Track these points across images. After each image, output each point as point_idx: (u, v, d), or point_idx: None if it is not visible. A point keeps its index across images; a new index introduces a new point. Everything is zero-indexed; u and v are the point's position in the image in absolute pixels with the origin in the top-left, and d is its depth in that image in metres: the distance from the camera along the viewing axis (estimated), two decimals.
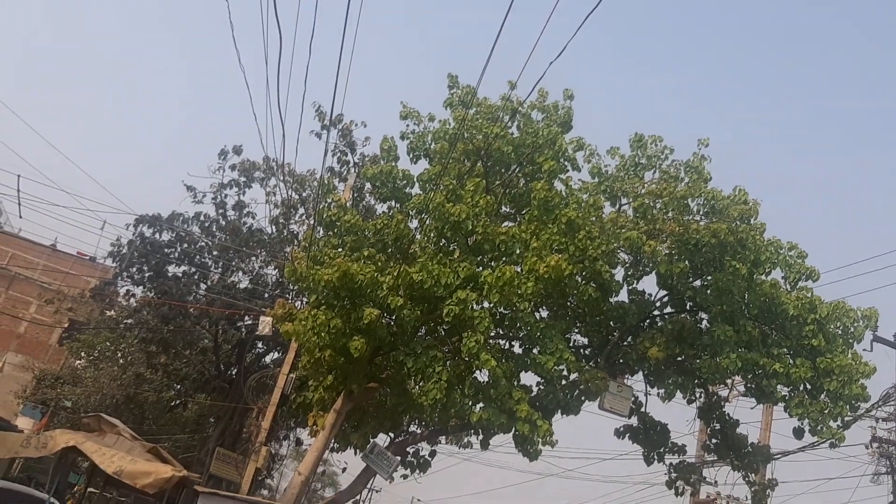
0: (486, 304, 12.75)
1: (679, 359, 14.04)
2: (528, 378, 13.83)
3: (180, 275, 22.17)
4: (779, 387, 13.28)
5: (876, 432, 17.45)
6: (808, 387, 13.18)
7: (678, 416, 16.42)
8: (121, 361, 27.55)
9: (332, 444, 16.14)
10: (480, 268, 12.90)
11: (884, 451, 17.16)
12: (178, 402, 27.91)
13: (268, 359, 23.88)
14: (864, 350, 14.80)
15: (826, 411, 12.78)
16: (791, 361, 13.10)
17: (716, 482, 20.05)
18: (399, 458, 15.21)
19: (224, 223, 22.13)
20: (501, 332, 14.01)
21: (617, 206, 14.61)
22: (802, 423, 13.30)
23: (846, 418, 13.23)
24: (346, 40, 6.84)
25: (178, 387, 26.84)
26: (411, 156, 14.99)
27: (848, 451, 16.59)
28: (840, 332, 13.35)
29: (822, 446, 15.32)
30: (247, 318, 21.69)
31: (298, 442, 27.92)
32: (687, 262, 13.39)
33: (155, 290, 21.70)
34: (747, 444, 15.44)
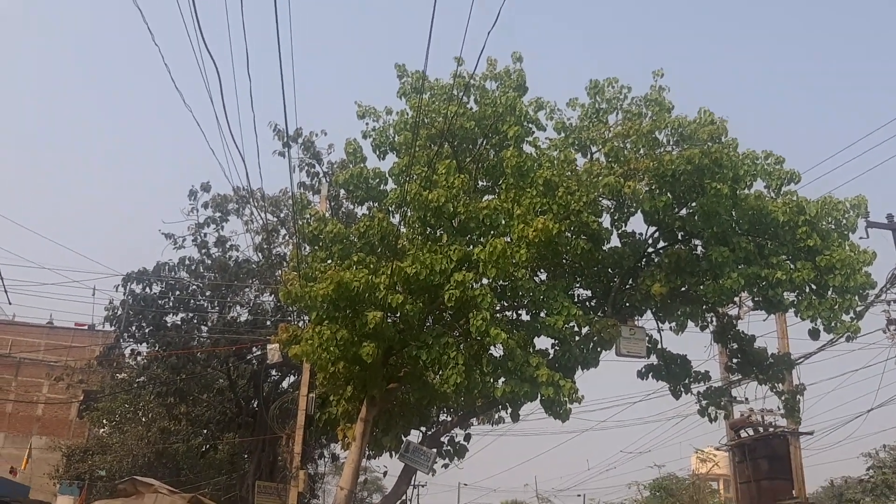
0: (484, 281, 12.78)
1: (683, 289, 14.10)
2: (542, 342, 13.90)
3: (179, 323, 22.17)
4: (785, 294, 13.35)
5: (890, 315, 17.59)
6: (814, 287, 13.26)
7: (695, 345, 16.54)
8: (143, 420, 27.56)
9: (366, 453, 16.22)
10: (471, 246, 12.92)
11: None
12: (207, 446, 27.98)
13: (285, 384, 23.92)
14: (860, 238, 14.92)
15: (836, 307, 12.86)
16: (792, 266, 13.18)
17: (746, 399, 20.26)
18: (435, 449, 15.27)
19: (210, 262, 22.09)
20: (506, 304, 14.04)
21: (589, 156, 14.61)
22: (816, 324, 13.38)
23: (858, 309, 13.33)
24: (285, 55, 6.81)
25: (205, 431, 26.93)
26: (377, 153, 14.96)
27: (866, 340, 16.69)
28: (833, 227, 13.43)
29: (840, 342, 15.51)
30: (254, 349, 21.70)
31: (334, 457, 28.04)
32: (668, 193, 13.42)
33: (158, 343, 21.67)
34: (767, 356, 15.56)
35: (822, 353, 17.83)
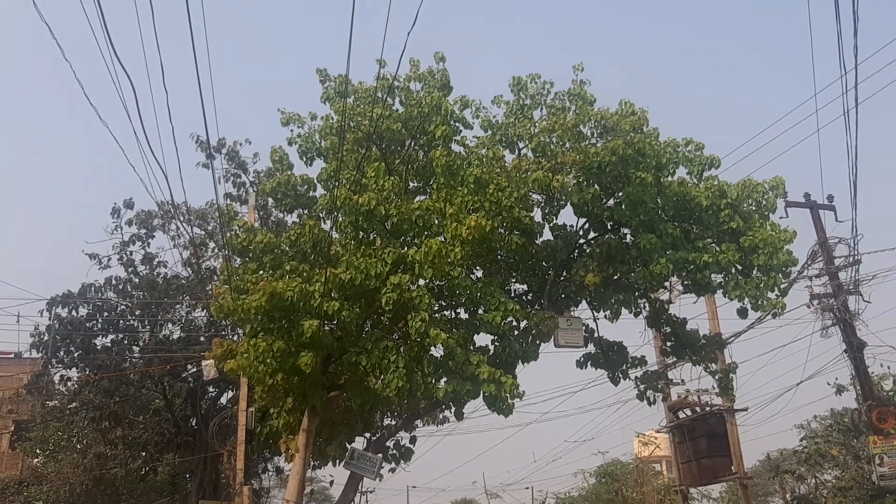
0: (421, 282, 12.76)
1: (615, 277, 14.37)
2: (482, 339, 13.97)
3: (109, 344, 21.50)
4: (712, 276, 13.73)
5: (813, 290, 18.24)
6: (739, 268, 13.67)
7: (631, 332, 16.87)
8: (78, 447, 26.58)
9: (310, 463, 16.01)
10: (406, 248, 12.89)
11: (825, 305, 17.95)
12: (147, 469, 27.19)
13: (223, 400, 23.46)
14: (780, 218, 15.39)
15: (761, 285, 13.28)
16: (717, 249, 13.56)
17: (682, 381, 20.82)
18: (380, 455, 15.17)
19: (137, 280, 21.48)
20: (444, 303, 14.05)
21: (517, 152, 14.76)
22: (743, 303, 13.78)
23: (782, 286, 13.79)
24: (202, 65, 6.64)
25: (144, 454, 26.19)
26: (304, 159, 14.78)
27: (792, 315, 17.31)
28: (754, 209, 13.89)
29: (767, 318, 16.06)
30: (189, 366, 21.19)
31: (278, 471, 27.59)
32: (596, 185, 13.67)
33: (89, 367, 20.97)
34: (700, 337, 15.99)
35: (751, 331, 18.42)
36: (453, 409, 14.92)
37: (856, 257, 17.62)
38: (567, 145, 13.82)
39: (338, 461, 14.81)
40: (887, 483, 16.72)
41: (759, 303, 13.42)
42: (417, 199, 14.19)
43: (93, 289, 21.05)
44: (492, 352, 13.92)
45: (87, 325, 21.09)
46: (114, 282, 21.27)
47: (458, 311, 14.56)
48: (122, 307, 21.67)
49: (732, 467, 21.80)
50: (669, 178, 13.90)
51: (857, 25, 8.63)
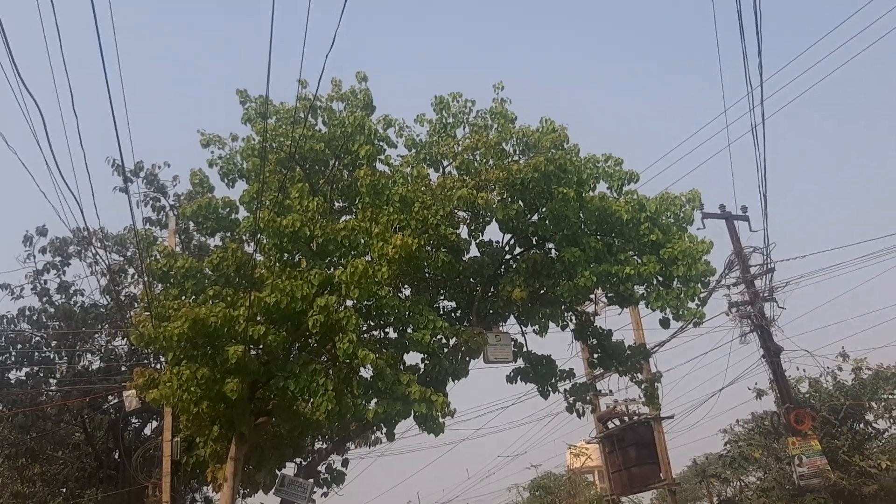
0: (348, 303, 12.64)
1: (541, 292, 14.56)
2: (412, 358, 13.92)
3: (24, 378, 20.54)
4: (635, 287, 14.06)
5: (731, 299, 18.88)
6: (660, 279, 14.03)
7: (558, 345, 17.14)
8: None
9: (240, 492, 15.60)
10: (332, 269, 12.77)
11: (742, 312, 18.58)
12: None
13: (147, 430, 22.67)
14: (698, 229, 15.99)
15: (682, 295, 13.66)
16: (638, 261, 13.89)
17: (610, 392, 21.22)
18: (312, 480, 14.93)
19: (53, 310, 20.64)
20: (372, 323, 13.94)
21: (441, 170, 14.84)
22: (665, 313, 14.15)
23: (701, 296, 14.21)
24: (114, 84, 6.46)
25: (64, 490, 25.04)
26: (225, 181, 14.55)
27: (712, 324, 17.89)
28: (672, 221, 14.30)
29: (689, 328, 16.53)
30: (110, 397, 20.44)
31: (207, 501, 26.75)
32: (520, 201, 13.87)
33: (2, 402, 20.01)
34: (625, 348, 16.32)
35: (674, 341, 18.98)
36: (384, 430, 14.81)
37: (769, 266, 18.34)
38: (490, 163, 13.97)
39: (268, 489, 14.49)
40: (807, 482, 17.33)
41: (680, 313, 13.79)
42: (343, 219, 14.09)
43: (4, 321, 20.15)
44: (422, 370, 13.88)
45: (0, 357, 20.14)
46: (27, 312, 20.41)
47: (386, 330, 14.49)
48: (37, 338, 20.78)
49: (661, 474, 22.28)
50: (591, 193, 14.19)
51: (760, 46, 9.03)
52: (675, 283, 13.92)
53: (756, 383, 21.43)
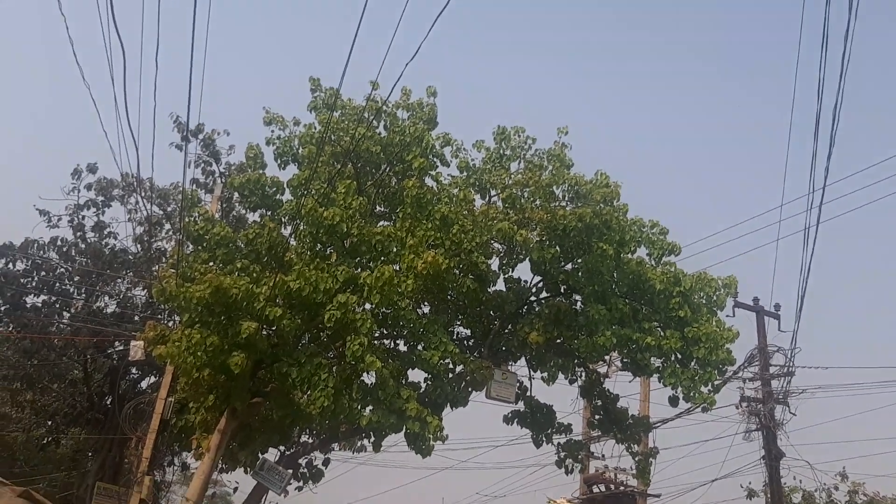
0: (367, 306, 12.70)
1: (558, 341, 14.46)
2: (416, 375, 13.90)
3: (40, 305, 20.86)
4: (652, 359, 13.92)
5: (744, 392, 18.55)
6: (679, 356, 13.88)
7: (562, 397, 16.96)
8: None
9: (219, 465, 15.65)
10: (359, 270, 12.85)
11: (752, 409, 18.25)
12: (49, 439, 26.26)
13: (144, 384, 22.83)
14: (727, 316, 15.77)
15: (697, 378, 13.50)
16: (661, 334, 13.77)
17: (603, 456, 20.91)
18: (290, 470, 14.90)
19: (84, 246, 20.97)
20: (385, 332, 13.98)
21: (487, 199, 14.90)
22: (676, 391, 13.97)
23: (715, 382, 14.02)
24: (199, 48, 6.61)
25: (49, 423, 25.33)
26: (279, 162, 14.71)
27: (720, 412, 17.58)
28: (704, 302, 14.15)
29: (696, 411, 16.26)
30: (117, 343, 20.66)
31: (185, 467, 26.86)
32: (557, 247, 13.84)
33: (13, 323, 20.32)
34: (628, 416, 16.11)
35: (678, 420, 18.63)
36: (372, 439, 14.77)
37: (790, 369, 18.02)
38: (537, 202, 13.99)
39: (247, 469, 14.51)
40: None
41: (692, 394, 13.61)
42: (380, 223, 14.19)
43: (35, 245, 20.49)
44: (423, 389, 13.84)
45: (22, 280, 20.48)
46: (59, 243, 20.75)
47: (397, 342, 14.52)
48: (62, 270, 21.11)
49: None
50: (629, 256, 14.12)
51: (832, 149, 8.94)
52: (692, 363, 13.75)
53: (750, 483, 20.99)
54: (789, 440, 18.05)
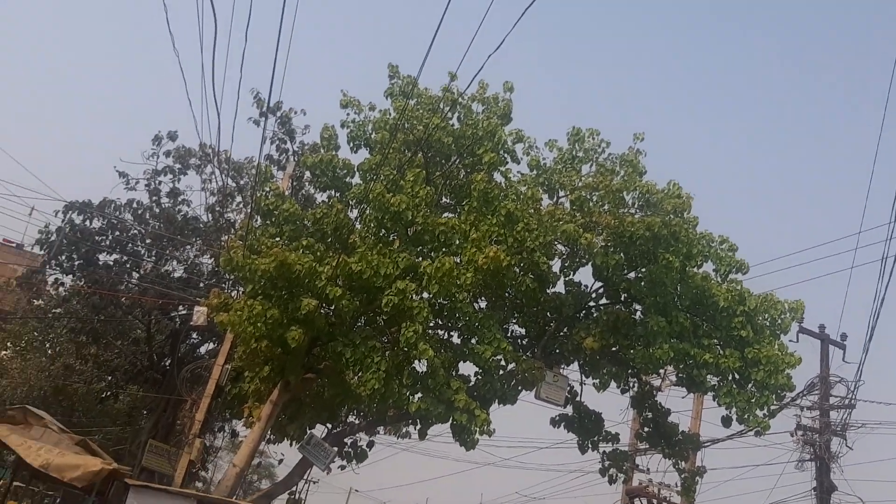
0: (424, 295, 12.79)
1: (613, 349, 14.31)
2: (466, 368, 13.94)
3: (111, 263, 21.57)
4: (708, 376, 13.65)
5: (801, 420, 18.03)
6: (737, 376, 13.59)
7: (612, 406, 16.74)
8: (49, 352, 26.60)
9: (267, 436, 15.99)
10: (420, 258, 12.94)
11: (808, 438, 17.73)
12: (108, 393, 27.20)
13: (202, 349, 23.44)
14: (790, 341, 15.32)
15: (753, 400, 13.19)
16: (721, 352, 13.48)
17: (648, 470, 20.55)
18: (336, 448, 15.14)
19: (158, 211, 21.59)
20: (440, 322, 14.06)
21: (555, 199, 14.81)
22: (730, 412, 13.68)
23: (772, 407, 13.68)
24: (285, 26, 6.74)
25: (109, 378, 26.19)
26: (351, 145, 14.92)
27: (774, 438, 17.14)
28: (768, 324, 13.80)
29: (749, 434, 15.89)
30: (181, 307, 21.23)
31: (234, 434, 27.49)
32: (622, 254, 13.67)
33: (85, 278, 21.06)
34: (678, 432, 15.85)
35: (729, 442, 18.23)
36: (418, 426, 14.88)
37: (852, 401, 17.44)
38: (606, 207, 13.85)
39: (294, 442, 14.79)
40: None
41: (746, 416, 13.31)
42: (445, 215, 14.24)
43: (112, 205, 21.18)
44: (472, 383, 13.88)
45: (97, 238, 21.21)
46: (135, 205, 21.40)
47: (451, 333, 14.57)
48: (135, 231, 21.79)
49: None
50: (695, 270, 13.87)
51: None
52: (750, 385, 13.44)
53: None
54: (843, 474, 17.49)
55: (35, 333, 26.48)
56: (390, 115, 14.65)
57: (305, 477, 16.34)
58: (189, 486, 16.91)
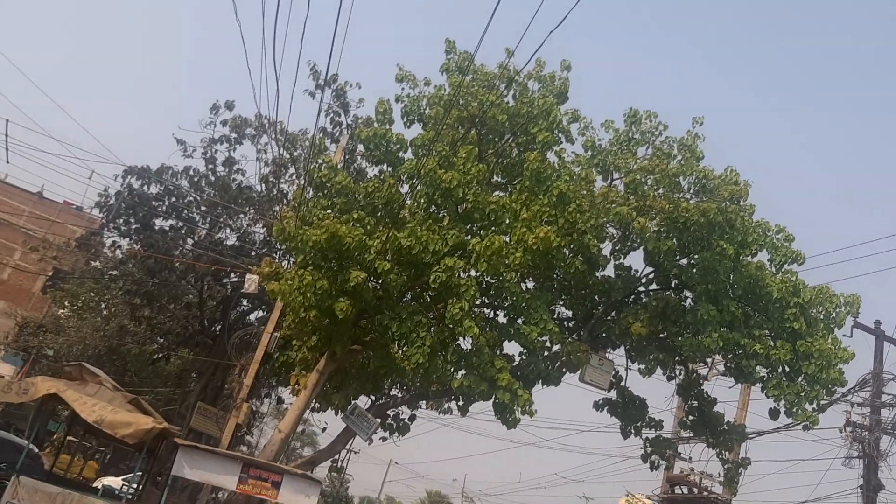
0: (472, 273, 12.80)
1: (661, 335, 14.15)
2: (511, 347, 13.95)
3: (167, 228, 22.06)
4: (758, 367, 13.42)
5: (850, 417, 17.64)
6: (787, 369, 13.33)
7: (657, 392, 16.59)
8: (104, 313, 27.46)
9: (313, 404, 16.26)
10: (469, 236, 12.92)
11: (857, 435, 17.34)
12: (160, 355, 27.98)
13: (252, 317, 23.89)
14: (844, 335, 14.97)
15: (802, 394, 12.95)
16: (771, 343, 13.24)
17: (690, 458, 20.40)
18: (379, 420, 15.34)
19: (213, 179, 21.96)
20: (487, 300, 14.06)
21: (608, 181, 14.60)
22: (778, 405, 13.47)
23: (822, 402, 13.40)
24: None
25: (161, 340, 26.91)
26: (405, 120, 14.88)
27: (821, 433, 16.81)
28: (822, 317, 13.50)
29: (796, 428, 15.58)
30: (233, 274, 21.64)
31: (280, 401, 28.05)
32: (675, 239, 13.44)
33: (141, 242, 21.58)
34: (723, 422, 15.64)
35: (775, 435, 17.92)
36: (460, 403, 14.97)
37: None
38: (661, 191, 13.61)
39: (338, 412, 15.01)
40: None
41: (795, 410, 13.08)
42: (496, 193, 14.17)
43: (170, 172, 21.61)
44: (516, 363, 13.89)
45: (154, 203, 21.67)
46: (191, 172, 21.79)
47: (497, 312, 14.56)
48: (191, 198, 22.21)
49: None
50: (749, 258, 13.58)
51: None
52: (800, 378, 13.18)
53: None
54: (892, 473, 17.11)
55: (91, 294, 27.30)
56: (445, 90, 14.56)
57: (347, 446, 16.56)
58: (235, 449, 17.35)
